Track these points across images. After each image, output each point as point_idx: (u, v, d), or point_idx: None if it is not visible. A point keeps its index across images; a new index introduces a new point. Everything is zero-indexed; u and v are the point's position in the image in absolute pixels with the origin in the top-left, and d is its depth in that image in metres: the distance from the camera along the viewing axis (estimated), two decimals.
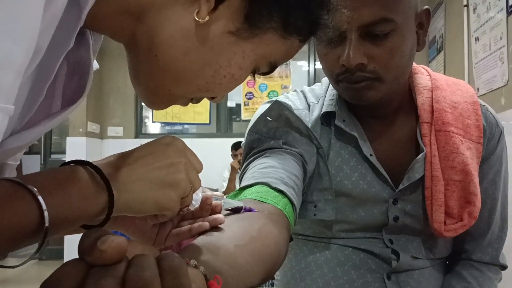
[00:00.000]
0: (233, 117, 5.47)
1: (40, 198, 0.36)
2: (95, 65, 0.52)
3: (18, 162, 0.53)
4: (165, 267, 0.29)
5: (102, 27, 0.48)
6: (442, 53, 3.64)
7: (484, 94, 2.59)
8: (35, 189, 0.36)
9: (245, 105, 4.99)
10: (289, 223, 0.66)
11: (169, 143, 0.48)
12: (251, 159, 0.80)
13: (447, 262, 0.94)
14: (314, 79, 5.07)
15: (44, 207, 0.36)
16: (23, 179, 0.37)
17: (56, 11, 0.36)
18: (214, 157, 4.75)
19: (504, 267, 0.93)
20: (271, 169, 0.72)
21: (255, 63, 0.51)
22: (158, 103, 0.52)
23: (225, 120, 5.18)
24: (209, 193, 0.55)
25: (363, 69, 0.75)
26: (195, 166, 0.50)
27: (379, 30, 0.73)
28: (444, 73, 3.43)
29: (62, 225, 0.39)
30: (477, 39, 2.80)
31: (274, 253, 0.56)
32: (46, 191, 0.37)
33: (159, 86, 0.49)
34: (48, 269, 4.65)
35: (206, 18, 0.45)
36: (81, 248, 0.28)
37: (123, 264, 0.28)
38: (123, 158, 0.46)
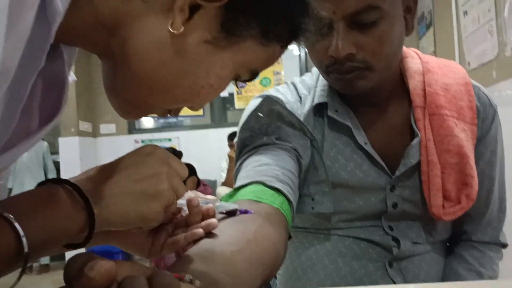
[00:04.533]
0: (226, 105, 5.45)
1: (16, 225, 0.35)
2: (72, 77, 0.51)
3: (3, 181, 0.52)
4: (157, 286, 0.28)
5: (74, 41, 0.46)
6: (431, 29, 3.61)
7: (476, 68, 2.58)
8: (11, 216, 0.35)
9: (238, 93, 4.97)
10: (287, 222, 0.65)
11: (150, 152, 0.47)
12: (244, 157, 0.79)
13: (448, 244, 0.94)
14: (306, 64, 5.04)
15: (21, 233, 0.35)
16: None
17: (22, 31, 0.34)
18: (210, 148, 4.74)
19: (504, 246, 0.93)
20: (266, 166, 0.71)
21: (235, 72, 0.49)
22: (134, 114, 0.51)
23: (219, 110, 5.15)
24: (192, 195, 0.54)
25: (352, 59, 0.74)
26: (179, 172, 0.48)
27: (366, 19, 0.71)
28: (435, 49, 3.41)
29: (43, 248, 0.38)
30: (465, 13, 2.78)
31: (273, 254, 0.56)
32: (24, 216, 0.36)
33: (135, 97, 0.48)
34: (49, 272, 4.67)
35: (181, 29, 0.43)
36: (68, 274, 0.27)
37: None
38: (103, 172, 0.45)
